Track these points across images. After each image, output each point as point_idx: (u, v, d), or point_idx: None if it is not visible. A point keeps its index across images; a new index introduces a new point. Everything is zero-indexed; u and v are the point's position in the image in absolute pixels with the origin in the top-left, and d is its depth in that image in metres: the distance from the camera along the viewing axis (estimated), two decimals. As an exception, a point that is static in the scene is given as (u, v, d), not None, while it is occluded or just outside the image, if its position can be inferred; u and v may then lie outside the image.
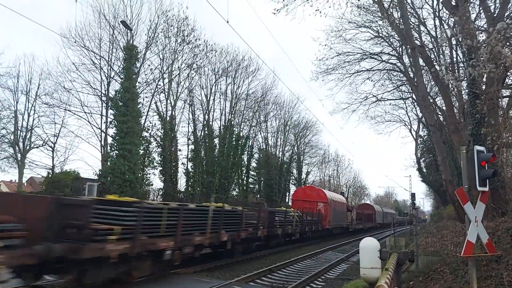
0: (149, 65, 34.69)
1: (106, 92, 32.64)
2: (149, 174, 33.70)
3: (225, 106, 43.52)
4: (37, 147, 36.19)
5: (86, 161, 65.10)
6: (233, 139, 42.66)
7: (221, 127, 42.87)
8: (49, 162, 35.73)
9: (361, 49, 31.64)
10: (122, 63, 30.68)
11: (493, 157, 7.63)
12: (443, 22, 24.22)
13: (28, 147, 35.92)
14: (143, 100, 33.69)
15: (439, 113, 29.81)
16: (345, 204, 38.83)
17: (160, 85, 35.86)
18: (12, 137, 35.28)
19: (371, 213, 51.56)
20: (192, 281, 10.78)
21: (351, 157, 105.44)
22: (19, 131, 35.60)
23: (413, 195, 25.46)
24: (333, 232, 33.06)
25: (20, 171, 35.67)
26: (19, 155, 35.34)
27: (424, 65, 20.92)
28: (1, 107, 34.48)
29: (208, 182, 37.87)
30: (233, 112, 44.04)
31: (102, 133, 32.50)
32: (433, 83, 26.67)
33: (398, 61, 31.36)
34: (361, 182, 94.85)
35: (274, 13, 18.56)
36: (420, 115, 39.05)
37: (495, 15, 14.61)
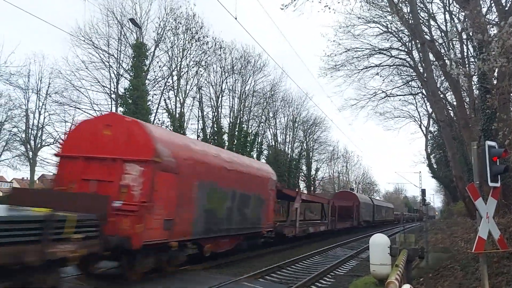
0: (157, 62, 34.86)
1: (116, 89, 32.83)
2: (159, 171, 33.78)
3: (234, 103, 43.56)
4: (48, 145, 36.64)
5: (96, 159, 65.38)
6: (242, 135, 42.63)
7: (230, 124, 42.86)
8: (60, 159, 36.04)
9: (370, 45, 31.45)
10: (131, 60, 30.78)
11: (504, 152, 7.53)
12: (454, 16, 23.98)
13: (39, 145, 36.39)
14: (152, 97, 33.82)
15: (450, 108, 29.55)
16: (271, 180, 17.70)
17: (169, 82, 36.00)
18: (23, 136, 35.79)
19: (350, 206, 33.42)
20: (202, 277, 10.82)
21: (360, 154, 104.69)
22: (30, 130, 36.08)
23: (423, 191, 25.19)
24: (204, 252, 12.46)
25: (31, 169, 36.19)
26: (30, 153, 35.82)
27: (434, 60, 20.73)
28: (13, 106, 34.97)
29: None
30: (240, 110, 44.01)
31: (112, 130, 32.66)
32: (443, 78, 26.45)
33: (407, 56, 31.14)
34: (371, 178, 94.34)
35: (282, 8, 18.47)
36: (430, 110, 38.75)
37: (506, 9, 14.40)
